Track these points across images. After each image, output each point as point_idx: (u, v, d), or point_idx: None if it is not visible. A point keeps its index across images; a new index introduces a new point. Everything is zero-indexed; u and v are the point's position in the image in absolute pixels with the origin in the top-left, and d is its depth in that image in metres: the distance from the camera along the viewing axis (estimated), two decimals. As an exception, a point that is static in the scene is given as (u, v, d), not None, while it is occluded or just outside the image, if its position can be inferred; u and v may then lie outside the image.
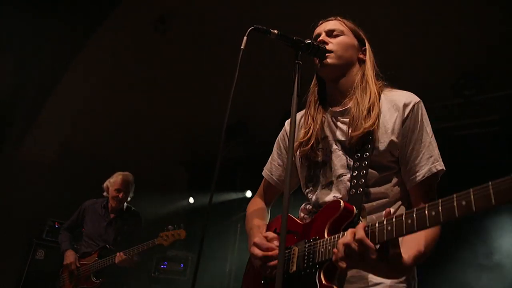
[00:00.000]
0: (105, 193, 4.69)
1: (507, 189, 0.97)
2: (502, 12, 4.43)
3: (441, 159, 1.62)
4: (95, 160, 6.74)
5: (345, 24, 1.85)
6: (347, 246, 1.32)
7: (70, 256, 4.42)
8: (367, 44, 1.86)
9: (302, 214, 1.84)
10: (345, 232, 1.38)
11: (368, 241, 1.28)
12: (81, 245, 4.54)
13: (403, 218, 1.23)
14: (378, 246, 1.30)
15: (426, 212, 1.16)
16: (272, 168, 2.04)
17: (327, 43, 1.77)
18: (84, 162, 6.62)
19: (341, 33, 1.81)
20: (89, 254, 4.40)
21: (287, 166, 1.40)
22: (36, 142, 6.32)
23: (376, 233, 1.29)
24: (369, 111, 1.66)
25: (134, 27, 5.61)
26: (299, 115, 1.97)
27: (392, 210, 1.38)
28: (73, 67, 5.85)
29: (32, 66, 6.05)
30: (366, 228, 1.32)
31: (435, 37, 4.85)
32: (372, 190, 1.63)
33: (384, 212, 1.34)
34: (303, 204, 1.87)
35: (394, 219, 1.26)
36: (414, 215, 1.20)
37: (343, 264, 1.34)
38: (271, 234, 1.71)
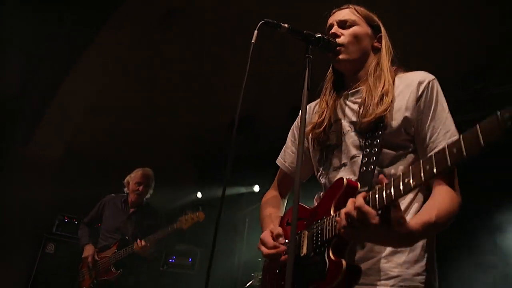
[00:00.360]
0: (125, 189, 4.75)
1: (493, 128, 0.96)
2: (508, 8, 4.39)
3: (458, 133, 1.57)
4: (102, 157, 6.80)
5: (358, 12, 1.83)
6: (348, 214, 1.31)
7: (88, 250, 4.49)
8: (382, 30, 1.84)
9: (316, 203, 1.83)
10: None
11: (367, 207, 1.27)
12: (100, 239, 4.59)
13: (401, 178, 1.22)
14: (379, 212, 1.28)
15: (421, 166, 1.16)
16: (286, 155, 2.04)
17: (338, 36, 1.76)
18: (92, 158, 6.67)
19: (354, 23, 1.79)
20: (108, 247, 4.45)
21: (298, 153, 1.40)
22: (43, 139, 6.37)
23: (376, 199, 1.28)
24: (382, 97, 1.65)
25: (137, 25, 5.60)
26: (313, 103, 1.97)
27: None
28: (78, 66, 5.87)
29: (37, 65, 6.09)
30: (366, 197, 1.31)
31: (440, 32, 4.81)
32: (387, 170, 1.60)
33: (379, 178, 1.32)
34: (317, 194, 1.86)
35: (392, 181, 1.25)
36: (410, 172, 1.19)
37: (346, 233, 1.33)
38: (276, 230, 1.69)
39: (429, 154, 1.15)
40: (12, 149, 6.29)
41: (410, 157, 1.63)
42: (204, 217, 4.24)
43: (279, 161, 2.07)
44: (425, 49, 4.91)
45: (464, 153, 1.03)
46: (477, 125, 1.00)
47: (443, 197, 1.49)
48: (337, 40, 1.75)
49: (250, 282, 5.04)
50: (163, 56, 6.04)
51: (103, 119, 6.73)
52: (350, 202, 1.33)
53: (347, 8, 1.85)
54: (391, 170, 1.60)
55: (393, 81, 1.71)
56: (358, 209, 1.28)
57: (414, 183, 1.18)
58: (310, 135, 1.84)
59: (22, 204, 5.97)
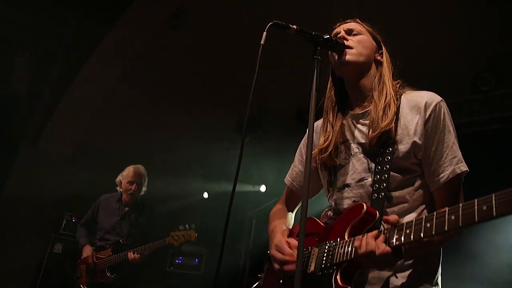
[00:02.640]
0: (118, 188, 4.74)
1: None
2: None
3: (463, 160, 1.59)
4: (112, 155, 6.81)
5: (364, 26, 1.86)
6: (368, 253, 1.35)
7: (87, 251, 4.49)
8: (383, 47, 1.86)
9: (323, 220, 1.84)
10: (366, 234, 1.39)
11: (388, 249, 1.31)
12: (96, 239, 4.61)
13: (423, 222, 1.22)
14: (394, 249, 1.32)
15: (446, 216, 1.15)
16: (294, 174, 2.05)
17: (346, 40, 1.77)
18: (101, 157, 6.69)
19: (360, 33, 1.82)
20: (103, 248, 4.47)
21: (305, 170, 1.39)
22: (53, 138, 6.40)
23: (395, 238, 1.30)
24: (385, 110, 1.65)
25: (148, 23, 5.63)
26: (318, 122, 1.96)
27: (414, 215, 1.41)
28: (89, 63, 5.90)
29: (48, 63, 6.13)
30: (386, 235, 1.34)
31: (452, 33, 4.79)
32: (394, 194, 1.60)
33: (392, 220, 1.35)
34: (324, 211, 1.87)
35: (414, 223, 1.26)
36: (434, 219, 1.18)
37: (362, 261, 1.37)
38: (293, 242, 1.71)
39: (456, 206, 1.14)
40: (22, 147, 6.33)
41: (418, 181, 1.63)
42: (196, 236, 4.26)
43: (287, 180, 2.08)
44: (435, 51, 4.88)
45: (494, 213, 1.01)
46: None
47: None
48: (345, 42, 1.75)
49: (257, 284, 5.03)
50: (171, 56, 6.06)
51: (113, 117, 6.76)
52: (370, 240, 1.36)
53: (353, 21, 1.87)
54: (400, 193, 1.61)
55: (399, 97, 1.72)
56: (377, 250, 1.32)
57: (436, 231, 1.18)
58: (317, 159, 1.84)
59: (30, 204, 6.01)
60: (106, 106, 6.50)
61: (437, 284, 1.59)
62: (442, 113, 1.61)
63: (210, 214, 7.58)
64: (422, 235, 1.20)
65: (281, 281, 1.72)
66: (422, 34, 4.72)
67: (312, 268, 1.55)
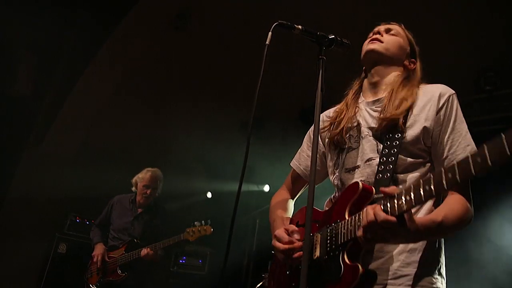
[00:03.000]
0: (133, 188, 4.76)
1: None
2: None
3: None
4: (115, 156, 6.83)
5: (405, 31, 1.93)
6: (369, 224, 1.34)
7: (99, 248, 4.53)
8: (418, 60, 1.92)
9: (326, 208, 1.85)
10: (365, 208, 1.39)
11: (387, 217, 1.30)
12: (109, 239, 4.64)
13: (421, 185, 1.23)
14: (397, 217, 1.31)
15: (443, 174, 1.16)
16: (301, 158, 2.06)
17: (381, 35, 1.85)
18: (104, 157, 6.70)
19: (398, 34, 1.89)
20: (116, 248, 4.49)
21: (312, 157, 1.40)
22: (57, 139, 6.42)
23: (395, 206, 1.30)
24: (401, 102, 1.68)
25: (152, 24, 5.65)
26: (329, 110, 2.00)
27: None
28: (93, 64, 5.92)
29: (53, 64, 6.15)
30: (385, 205, 1.33)
31: (455, 32, 4.78)
32: (401, 176, 1.62)
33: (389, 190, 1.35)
34: (328, 198, 1.88)
35: (412, 189, 1.27)
36: (432, 179, 1.20)
37: (367, 239, 1.37)
38: (291, 227, 1.72)
39: (451, 163, 1.16)
40: (26, 150, 6.35)
41: (425, 166, 1.65)
42: (211, 231, 4.25)
43: (294, 163, 2.08)
44: (438, 50, 4.88)
45: (489, 162, 1.03)
46: (502, 134, 1.00)
47: (454, 203, 1.52)
48: (378, 36, 1.84)
49: (261, 283, 5.03)
50: (176, 55, 6.08)
51: (116, 119, 6.78)
52: (369, 210, 1.36)
53: (397, 24, 1.94)
54: (406, 176, 1.63)
55: (416, 93, 1.75)
56: (378, 218, 1.31)
57: (435, 190, 1.19)
58: (327, 135, 1.86)
59: (34, 203, 6.03)
60: (109, 107, 6.51)
61: (440, 273, 1.60)
62: (454, 105, 1.66)
63: (214, 214, 7.59)
64: (422, 196, 1.22)
65: (288, 272, 1.71)
66: (426, 34, 4.72)
67: (317, 253, 1.56)
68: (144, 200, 4.63)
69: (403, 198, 1.29)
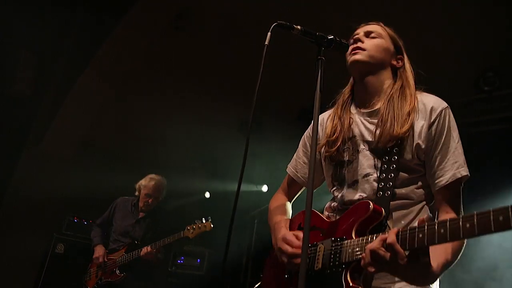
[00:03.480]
0: (136, 193, 4.76)
1: None
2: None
3: (466, 165, 1.62)
4: (115, 156, 6.82)
5: (385, 29, 1.88)
6: (374, 252, 1.33)
7: (99, 250, 4.53)
8: (405, 55, 1.88)
9: (326, 213, 1.85)
10: (373, 236, 1.39)
11: (399, 247, 1.28)
12: (110, 241, 4.65)
13: (436, 227, 1.21)
14: (407, 253, 1.30)
15: (461, 223, 1.14)
16: (297, 165, 2.05)
17: (362, 41, 1.80)
18: (104, 157, 6.70)
19: (379, 36, 1.84)
20: (116, 250, 4.49)
21: (310, 165, 1.39)
22: (56, 138, 6.41)
23: (407, 239, 1.28)
24: (403, 118, 1.66)
25: (152, 23, 5.64)
26: (326, 114, 1.98)
27: (418, 215, 1.47)
28: (91, 65, 5.91)
29: (53, 62, 6.14)
30: (398, 234, 1.31)
31: (455, 33, 4.78)
32: (398, 191, 1.64)
33: (418, 221, 1.32)
34: (328, 202, 1.88)
35: (426, 227, 1.24)
36: (448, 225, 1.18)
37: (371, 269, 1.34)
38: (301, 235, 1.69)
39: (471, 214, 1.14)
40: (24, 149, 6.34)
41: (421, 180, 1.67)
42: (211, 227, 4.25)
43: (290, 170, 2.08)
44: (438, 51, 4.87)
45: (511, 223, 1.02)
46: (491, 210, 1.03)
47: None
48: (359, 44, 1.78)
49: (258, 284, 5.03)
50: (176, 55, 6.07)
51: (115, 119, 6.77)
52: (379, 240, 1.34)
53: (376, 24, 1.89)
54: (403, 190, 1.64)
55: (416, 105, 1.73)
56: (390, 247, 1.29)
57: (450, 237, 1.17)
58: (323, 151, 1.86)
59: (32, 203, 6.01)
60: (108, 107, 6.50)
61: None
62: (447, 119, 1.66)
63: (212, 214, 7.58)
64: (436, 240, 1.20)
65: (286, 276, 1.71)
66: (425, 34, 4.72)
67: (319, 265, 1.56)
68: (145, 208, 4.65)
69: (416, 235, 1.27)
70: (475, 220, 1.10)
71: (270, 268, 1.89)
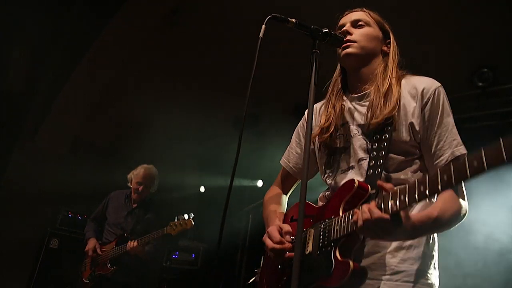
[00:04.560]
0: (129, 184, 4.80)
1: None
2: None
3: (463, 143, 1.61)
4: (108, 151, 6.81)
5: (371, 16, 1.85)
6: (366, 221, 1.35)
7: (91, 243, 4.57)
8: (391, 36, 1.86)
9: (320, 203, 1.85)
10: (361, 207, 1.40)
11: (385, 216, 1.32)
12: (104, 233, 4.68)
13: (416, 186, 1.25)
14: (391, 215, 1.33)
15: (439, 176, 1.18)
16: (290, 156, 2.05)
17: (350, 33, 1.78)
18: (98, 152, 6.69)
19: (367, 24, 1.82)
20: (109, 242, 4.53)
21: (304, 154, 1.40)
22: (50, 133, 6.38)
23: (390, 205, 1.32)
24: (386, 97, 1.66)
25: (146, 18, 5.61)
26: (319, 104, 1.98)
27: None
28: (86, 60, 5.88)
29: (45, 58, 6.10)
30: (379, 203, 1.35)
31: (449, 29, 4.79)
32: (394, 175, 1.63)
33: (387, 186, 1.37)
34: (322, 192, 1.88)
35: (407, 188, 1.28)
36: (427, 181, 1.21)
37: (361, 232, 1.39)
38: (286, 227, 1.72)
39: (447, 163, 1.18)
40: (18, 144, 6.31)
41: (416, 163, 1.66)
42: (192, 225, 4.22)
43: (283, 161, 2.08)
44: (432, 47, 4.88)
45: (485, 165, 1.04)
46: (501, 139, 1.01)
47: (448, 199, 1.53)
48: (349, 37, 1.77)
49: (253, 279, 5.04)
50: (170, 50, 6.05)
51: (109, 114, 6.75)
52: (364, 208, 1.37)
53: (361, 10, 1.87)
54: (398, 175, 1.63)
55: (400, 83, 1.72)
56: (373, 216, 1.33)
57: (429, 191, 1.20)
58: (317, 139, 1.85)
59: (26, 199, 5.99)
60: (102, 101, 6.48)
61: (435, 268, 1.62)
62: (440, 98, 1.64)
63: (207, 208, 7.58)
64: (416, 197, 1.24)
65: (279, 266, 1.72)
66: (420, 30, 4.72)
67: (310, 248, 1.57)
68: (137, 196, 4.67)
69: (397, 197, 1.31)
70: (452, 170, 1.14)
71: (266, 259, 1.90)
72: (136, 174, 4.74)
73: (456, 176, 1.12)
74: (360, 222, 1.36)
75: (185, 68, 6.31)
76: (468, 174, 1.08)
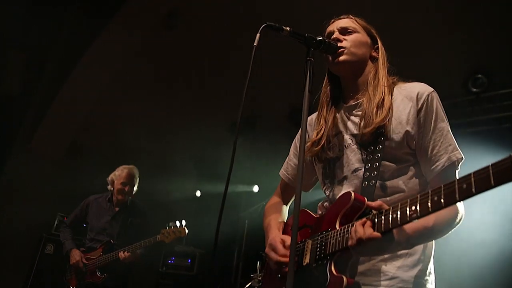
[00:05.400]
0: (109, 187, 4.70)
1: (505, 169, 0.98)
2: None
3: (458, 148, 1.61)
4: (105, 155, 6.78)
5: (358, 22, 1.85)
6: (359, 241, 1.36)
7: (75, 255, 4.43)
8: (379, 42, 1.86)
9: (320, 212, 1.86)
10: (355, 223, 1.41)
11: (375, 234, 1.32)
12: (86, 239, 4.58)
13: (408, 206, 1.26)
14: (384, 233, 1.34)
15: (429, 197, 1.19)
16: (288, 167, 2.06)
17: (341, 41, 1.77)
18: (94, 156, 6.66)
19: (355, 31, 1.81)
20: (94, 249, 4.44)
21: (298, 163, 1.41)
22: (46, 138, 6.36)
23: (382, 223, 1.33)
24: (379, 106, 1.66)
25: (143, 22, 5.62)
26: (313, 116, 1.98)
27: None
28: (82, 64, 5.88)
29: (42, 62, 6.09)
30: (373, 218, 1.36)
31: (444, 35, 4.82)
32: (389, 183, 1.62)
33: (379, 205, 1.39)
34: (321, 202, 1.88)
35: (399, 207, 1.29)
36: (418, 202, 1.23)
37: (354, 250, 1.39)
38: (288, 240, 1.70)
39: (438, 185, 1.19)
40: (15, 147, 6.29)
41: (411, 170, 1.64)
42: (186, 233, 4.20)
43: (282, 173, 2.09)
44: (427, 53, 4.91)
45: (474, 190, 1.06)
46: (490, 165, 1.03)
47: None
48: (340, 44, 1.76)
49: (249, 284, 5.03)
50: (167, 55, 6.06)
51: (105, 118, 6.73)
52: (358, 227, 1.38)
53: (347, 17, 1.87)
54: (393, 183, 1.62)
55: (392, 91, 1.73)
56: (364, 235, 1.34)
57: (420, 213, 1.22)
58: (310, 152, 1.85)
59: (22, 204, 5.96)
60: (98, 106, 6.47)
61: (430, 273, 1.62)
62: (434, 103, 1.64)
63: (203, 213, 7.57)
64: (408, 218, 1.25)
65: (279, 276, 1.73)
66: (414, 36, 4.75)
67: (307, 260, 1.57)
68: (122, 197, 4.57)
69: (390, 215, 1.32)
70: (442, 192, 1.16)
71: (266, 268, 1.90)
72: (119, 175, 4.63)
73: (446, 198, 1.14)
74: (353, 242, 1.37)
75: (182, 72, 6.32)
76: (458, 197, 1.10)
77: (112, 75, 6.17)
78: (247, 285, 5.20)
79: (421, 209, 1.21)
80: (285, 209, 2.08)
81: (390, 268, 1.54)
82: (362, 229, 1.36)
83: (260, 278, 4.96)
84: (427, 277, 1.58)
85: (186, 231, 4.20)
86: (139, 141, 7.02)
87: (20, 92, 6.14)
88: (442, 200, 1.14)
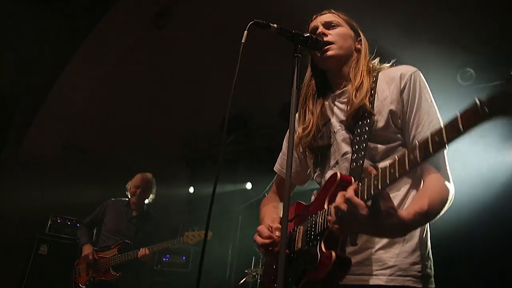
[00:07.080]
0: (127, 193, 4.94)
1: (472, 115, 1.01)
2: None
3: (441, 122, 1.60)
4: (96, 157, 6.77)
5: (340, 16, 1.89)
6: (337, 208, 1.34)
7: (87, 249, 4.61)
8: (361, 34, 1.91)
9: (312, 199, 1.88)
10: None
11: (356, 198, 1.30)
12: (100, 239, 4.76)
13: (387, 169, 1.26)
14: (369, 203, 1.31)
15: (406, 156, 1.20)
16: (283, 162, 2.08)
17: (326, 35, 1.81)
18: (86, 158, 6.65)
19: (338, 24, 1.86)
20: (108, 248, 4.60)
21: (288, 157, 1.43)
22: (37, 139, 6.33)
23: (365, 190, 1.31)
24: (357, 88, 1.70)
25: (132, 23, 5.61)
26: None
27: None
28: (73, 64, 5.85)
29: (33, 63, 6.05)
30: (356, 189, 1.34)
31: (432, 30, 4.86)
32: (380, 165, 1.60)
33: (368, 169, 1.35)
34: (314, 192, 1.90)
35: (380, 172, 1.28)
36: (396, 162, 1.23)
37: (336, 227, 1.36)
38: (276, 225, 1.74)
39: (414, 144, 1.20)
40: (6, 149, 6.25)
41: (400, 150, 1.65)
42: (212, 235, 4.45)
43: (277, 168, 2.12)
44: (415, 49, 4.95)
45: (445, 140, 1.08)
46: (457, 113, 1.05)
47: (434, 186, 1.52)
48: (325, 38, 1.79)
49: (244, 279, 5.07)
50: (156, 54, 6.05)
51: (97, 119, 6.72)
52: (339, 195, 1.37)
53: (329, 12, 1.90)
54: (384, 164, 1.61)
55: (376, 74, 1.77)
56: (347, 200, 1.31)
57: (399, 172, 1.22)
58: (301, 144, 1.87)
59: (14, 204, 5.93)
60: (90, 107, 6.45)
61: (429, 258, 1.62)
62: (417, 82, 1.67)
63: (196, 211, 7.59)
64: (388, 181, 1.25)
65: (274, 267, 1.75)
66: (402, 32, 4.79)
67: (299, 245, 1.60)
68: (136, 200, 4.82)
69: (372, 183, 1.30)
70: (417, 148, 1.17)
71: (267, 262, 1.94)
72: (134, 180, 4.92)
73: (421, 153, 1.15)
74: (332, 217, 1.37)
75: (173, 70, 6.32)
76: (431, 149, 1.12)
77: (103, 76, 6.16)
78: (241, 281, 5.25)
79: (399, 169, 1.21)
80: (281, 205, 2.08)
81: (388, 256, 1.54)
82: (341, 194, 1.35)
83: (254, 274, 5.02)
84: (426, 262, 1.58)
85: (211, 233, 4.42)
86: (131, 140, 7.01)
87: (11, 93, 6.10)
88: (418, 157, 1.16)
